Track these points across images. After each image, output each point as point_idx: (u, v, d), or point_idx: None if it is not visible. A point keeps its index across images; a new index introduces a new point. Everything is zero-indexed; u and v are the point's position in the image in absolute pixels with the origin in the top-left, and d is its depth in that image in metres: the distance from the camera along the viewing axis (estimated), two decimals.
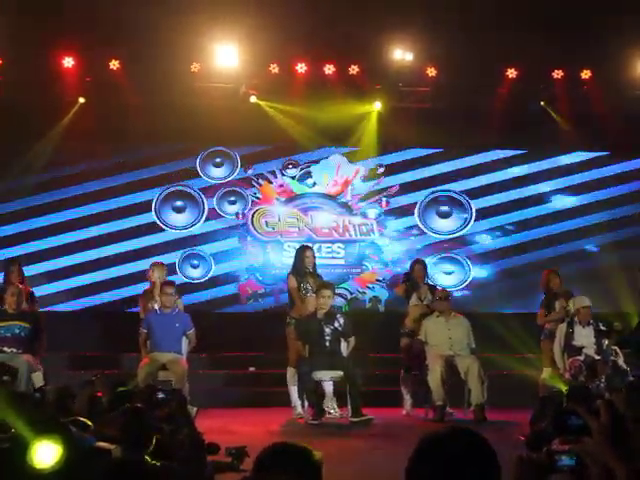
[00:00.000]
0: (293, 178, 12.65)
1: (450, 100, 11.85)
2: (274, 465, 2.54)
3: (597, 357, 9.34)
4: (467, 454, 2.15)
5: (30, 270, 10.94)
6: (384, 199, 12.62)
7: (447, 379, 9.28)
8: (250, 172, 12.59)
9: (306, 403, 9.18)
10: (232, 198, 12.54)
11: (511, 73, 11.90)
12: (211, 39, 11.28)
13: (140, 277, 11.94)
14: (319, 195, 12.67)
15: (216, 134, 12.06)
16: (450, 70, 11.74)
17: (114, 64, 11.36)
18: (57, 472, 2.99)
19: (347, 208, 12.64)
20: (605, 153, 12.72)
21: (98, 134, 11.67)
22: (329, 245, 12.48)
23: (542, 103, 12.30)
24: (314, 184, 12.69)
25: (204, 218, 12.43)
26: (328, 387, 9.38)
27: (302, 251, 10.12)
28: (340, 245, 12.57)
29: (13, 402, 4.27)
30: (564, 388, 7.81)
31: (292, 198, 12.64)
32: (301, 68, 11.66)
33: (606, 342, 9.45)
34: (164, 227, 12.34)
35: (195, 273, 12.39)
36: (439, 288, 10.58)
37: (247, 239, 12.53)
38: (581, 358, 9.32)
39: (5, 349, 9.01)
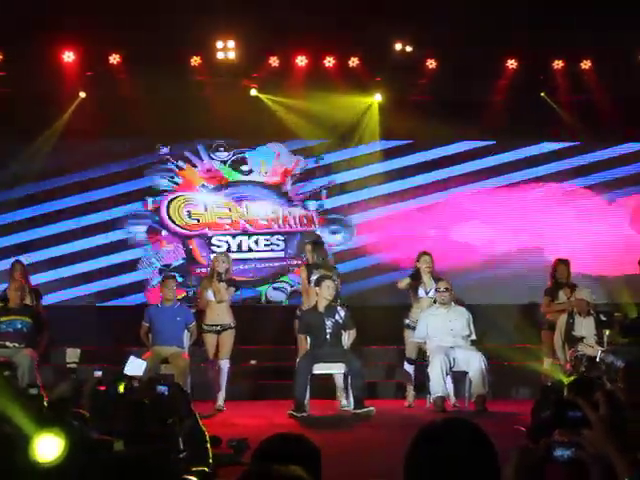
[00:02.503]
0: (224, 163, 11.82)
1: (450, 92, 11.83)
2: (271, 456, 2.55)
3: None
4: (463, 444, 2.16)
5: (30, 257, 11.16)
6: (324, 191, 12.06)
7: (448, 370, 9.29)
8: (164, 152, 11.65)
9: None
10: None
11: (511, 64, 11.90)
12: (211, 32, 11.29)
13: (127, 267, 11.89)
14: (256, 184, 11.87)
15: (217, 127, 12.04)
16: (450, 62, 11.73)
17: (114, 58, 11.37)
18: (59, 466, 3.00)
19: (287, 199, 11.97)
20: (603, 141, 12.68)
21: (98, 128, 11.65)
22: (268, 237, 11.80)
23: (542, 94, 12.30)
24: (250, 171, 11.92)
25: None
26: (339, 379, 9.39)
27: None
28: (279, 237, 11.86)
29: (14, 396, 4.29)
30: (565, 379, 7.82)
31: (223, 186, 11.81)
32: (301, 61, 11.65)
33: (607, 332, 9.46)
34: None
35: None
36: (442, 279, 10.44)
37: (161, 234, 11.63)
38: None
39: (7, 344, 9.05)
